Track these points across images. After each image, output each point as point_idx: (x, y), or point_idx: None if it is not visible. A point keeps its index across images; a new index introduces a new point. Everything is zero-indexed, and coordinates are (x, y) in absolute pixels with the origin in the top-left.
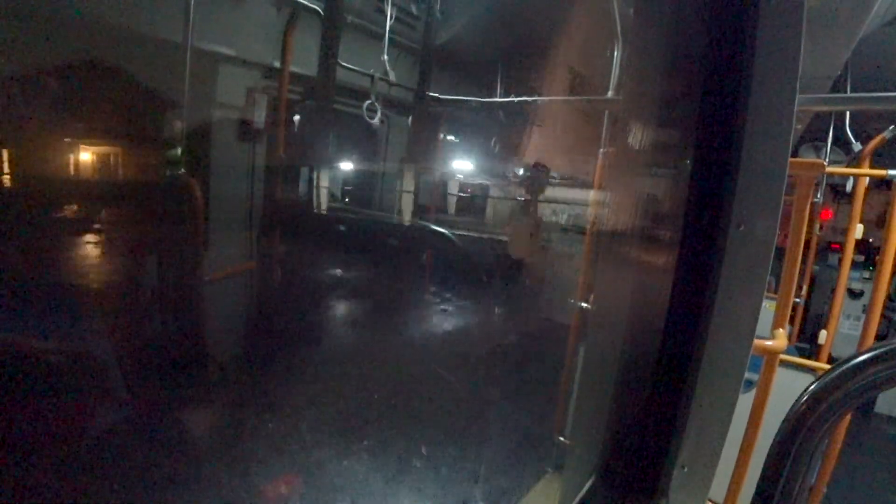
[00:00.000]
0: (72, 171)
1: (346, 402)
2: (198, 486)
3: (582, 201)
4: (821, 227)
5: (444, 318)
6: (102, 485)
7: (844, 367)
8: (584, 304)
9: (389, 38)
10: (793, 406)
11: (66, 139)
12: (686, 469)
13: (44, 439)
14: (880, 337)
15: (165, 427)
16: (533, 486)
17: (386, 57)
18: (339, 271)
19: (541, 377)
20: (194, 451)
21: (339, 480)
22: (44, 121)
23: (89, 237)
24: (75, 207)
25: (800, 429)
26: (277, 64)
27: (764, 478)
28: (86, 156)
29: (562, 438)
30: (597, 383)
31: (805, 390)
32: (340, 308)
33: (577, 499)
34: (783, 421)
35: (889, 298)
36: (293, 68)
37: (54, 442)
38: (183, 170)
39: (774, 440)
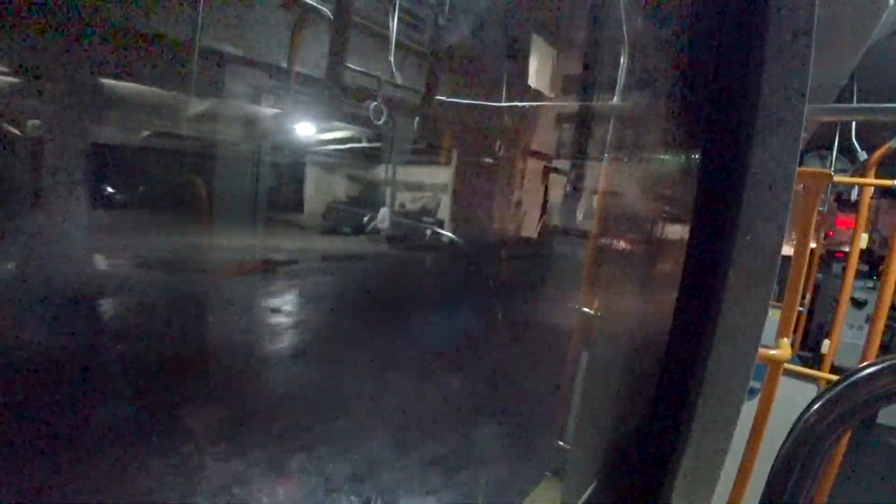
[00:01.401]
0: None
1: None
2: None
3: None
4: (825, 237)
5: None
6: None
7: (853, 378)
8: (586, 309)
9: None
10: (799, 417)
11: None
12: (689, 478)
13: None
14: (884, 347)
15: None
16: (531, 491)
17: None
18: None
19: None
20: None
21: (335, 483)
22: None
23: None
24: None
25: (807, 440)
26: None
27: (770, 488)
28: None
29: (561, 443)
30: (599, 388)
31: (812, 401)
32: None
33: None
34: (789, 432)
35: (893, 308)
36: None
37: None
38: None
39: (780, 451)
